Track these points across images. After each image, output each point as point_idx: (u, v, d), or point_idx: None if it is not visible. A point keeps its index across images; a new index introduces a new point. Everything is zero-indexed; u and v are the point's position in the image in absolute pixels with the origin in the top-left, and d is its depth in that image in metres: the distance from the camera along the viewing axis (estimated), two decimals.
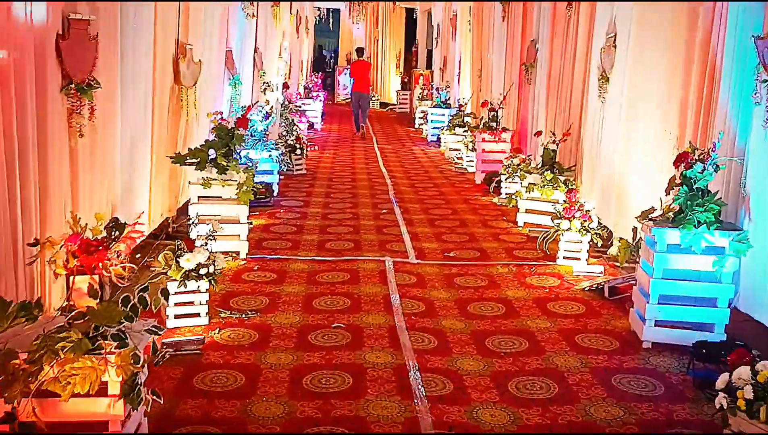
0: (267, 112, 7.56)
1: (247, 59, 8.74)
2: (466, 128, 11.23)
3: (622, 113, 5.62)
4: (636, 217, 4.11)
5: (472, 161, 10.03)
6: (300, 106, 13.79)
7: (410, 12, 22.27)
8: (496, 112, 8.94)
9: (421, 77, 17.92)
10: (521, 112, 9.00)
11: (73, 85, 3.42)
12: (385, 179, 9.25)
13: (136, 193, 4.67)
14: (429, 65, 20.89)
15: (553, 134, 6.71)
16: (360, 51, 15.15)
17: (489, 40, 10.77)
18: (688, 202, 3.68)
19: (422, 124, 15.37)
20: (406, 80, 21.13)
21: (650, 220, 3.91)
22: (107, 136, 3.99)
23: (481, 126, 9.16)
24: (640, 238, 4.49)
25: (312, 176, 9.17)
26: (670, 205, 3.88)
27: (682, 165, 3.74)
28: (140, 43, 4.53)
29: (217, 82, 6.78)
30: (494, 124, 8.92)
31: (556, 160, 6.60)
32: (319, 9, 23.79)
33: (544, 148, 6.63)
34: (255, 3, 8.15)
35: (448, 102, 13.98)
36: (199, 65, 5.61)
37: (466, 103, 11.50)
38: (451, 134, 11.33)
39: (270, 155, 7.52)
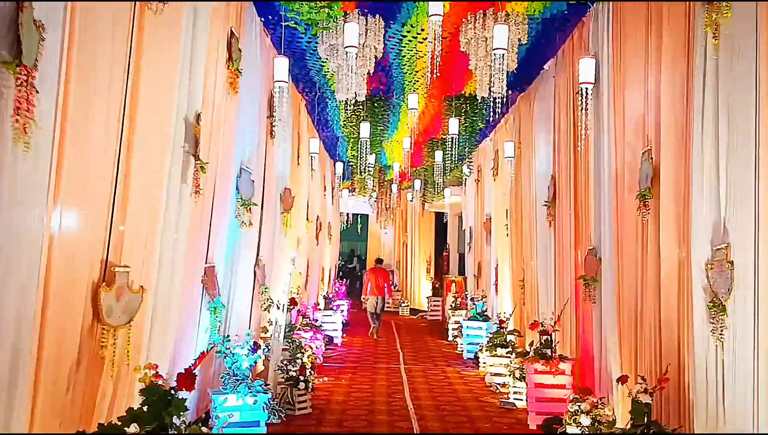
0: (254, 344, 5.82)
1: (244, 274, 7.25)
2: (510, 349, 9.32)
3: (756, 355, 3.77)
4: None
5: (521, 394, 8.00)
6: (316, 321, 12.16)
7: (440, 216, 21.47)
8: (550, 336, 7.10)
9: (454, 284, 16.37)
10: (582, 338, 7.13)
11: None
12: (411, 421, 7.20)
13: None
14: (462, 271, 19.50)
15: (643, 379, 4.77)
16: (379, 261, 16.05)
17: (532, 247, 9.24)
18: None
19: (456, 337, 13.52)
20: (437, 286, 19.63)
21: None
22: None
23: (531, 352, 7.26)
24: None
25: (318, 418, 7.19)
26: None
27: None
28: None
29: (184, 313, 5.15)
30: (548, 352, 7.04)
31: (653, 420, 4.60)
32: (346, 214, 23.30)
33: (633, 400, 4.66)
34: (250, 210, 6.82)
35: (486, 314, 12.23)
36: (140, 294, 4.02)
37: (507, 319, 9.70)
38: (492, 356, 9.40)
39: (255, 401, 5.66)
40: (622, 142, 6.00)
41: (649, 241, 5.30)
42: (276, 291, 8.82)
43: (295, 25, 7.21)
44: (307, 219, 11.11)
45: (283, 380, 7.37)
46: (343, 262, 29.31)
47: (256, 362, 5.84)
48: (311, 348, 9.94)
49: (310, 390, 7.43)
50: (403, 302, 20.96)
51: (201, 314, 5.79)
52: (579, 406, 5.85)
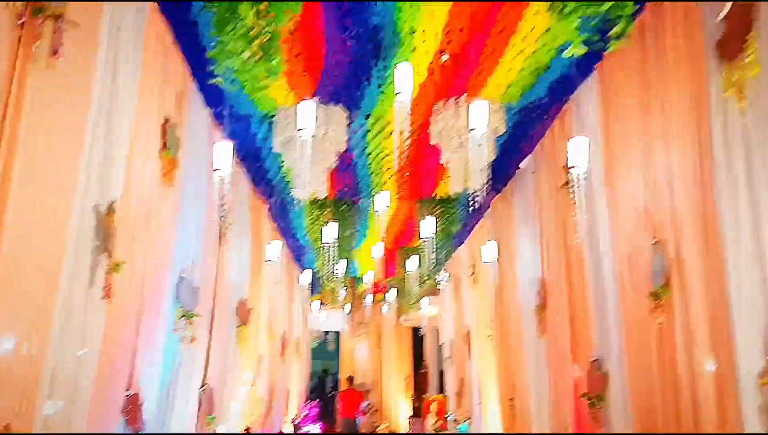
0: None
1: (184, 402, 6.07)
2: None
3: None
4: None
5: None
6: None
7: (416, 330, 20.30)
8: None
9: (434, 404, 15.00)
10: None
11: None
12: None
13: None
14: (442, 389, 18.10)
15: None
16: (350, 379, 15.78)
17: (521, 360, 8.21)
18: None
19: None
20: (417, 405, 18.15)
21: None
22: None
23: None
24: None
25: None
26: None
27: None
28: None
29: None
30: None
31: None
32: (318, 331, 22.01)
33: None
34: (192, 322, 5.78)
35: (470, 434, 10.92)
36: None
37: None
38: None
39: None
40: (623, 235, 5.21)
41: (669, 348, 4.37)
42: (229, 422, 7.56)
43: (248, 116, 6.53)
44: (269, 335, 9.97)
45: None
46: (315, 383, 27.55)
47: None
48: None
49: None
50: (381, 424, 19.29)
51: None
52: None
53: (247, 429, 7.19)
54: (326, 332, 23.89)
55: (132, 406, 4.66)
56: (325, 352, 28.54)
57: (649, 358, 4.68)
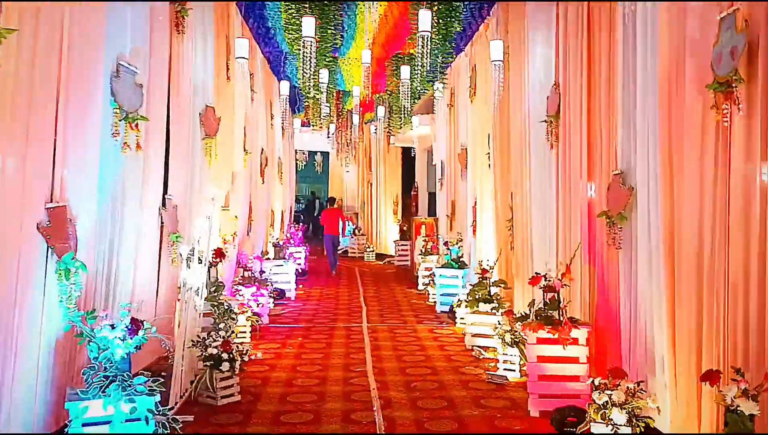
0: (132, 322, 3.84)
1: (139, 220, 5.23)
2: (496, 305, 7.56)
3: None
4: None
5: (513, 364, 6.29)
6: (262, 273, 10.24)
7: (407, 151, 19.48)
8: (557, 293, 5.29)
9: (423, 226, 14.57)
10: (602, 297, 5.34)
11: None
12: (373, 410, 5.39)
13: None
14: (432, 212, 17.69)
15: (740, 374, 2.96)
16: (332, 200, 16.63)
17: (523, 178, 7.37)
18: None
19: (428, 286, 11.80)
20: (405, 229, 17.81)
21: None
22: None
23: (532, 316, 5.45)
24: None
25: (247, 410, 5.33)
26: None
27: None
28: None
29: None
30: (555, 314, 5.24)
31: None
32: (302, 152, 21.16)
33: (728, 408, 2.88)
34: (137, 126, 4.75)
35: (462, 260, 10.44)
36: None
37: (491, 268, 7.89)
38: (474, 312, 7.63)
39: (134, 408, 3.75)
40: (681, 7, 4.04)
41: (736, 152, 3.43)
42: (199, 241, 6.81)
43: None
44: (245, 150, 9.02)
45: (201, 360, 5.48)
46: (303, 206, 27.33)
47: (137, 348, 3.89)
48: (252, 308, 8.09)
49: (237, 371, 5.54)
50: (369, 247, 19.18)
51: (46, 281, 3.78)
52: (609, 395, 4.10)
53: (218, 251, 6.47)
54: (314, 153, 23.13)
55: (56, 221, 3.77)
56: (314, 175, 28.09)
57: (697, 168, 3.76)
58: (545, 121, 6.42)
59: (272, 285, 10.47)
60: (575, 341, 5.11)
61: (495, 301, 7.58)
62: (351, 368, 6.69)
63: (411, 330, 8.71)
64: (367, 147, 20.76)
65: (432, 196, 18.08)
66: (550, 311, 5.27)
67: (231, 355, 5.47)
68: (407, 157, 19.64)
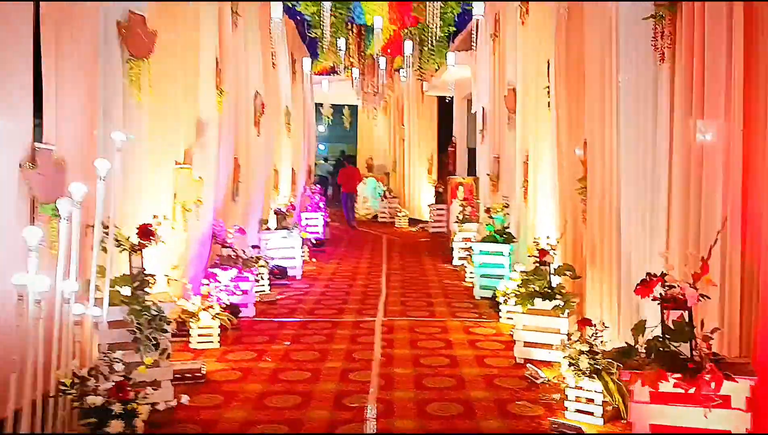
0: None
1: None
2: (560, 303, 5.22)
3: None
4: None
5: (593, 406, 4.02)
6: (256, 249, 8.08)
7: (443, 101, 16.93)
8: (688, 311, 2.93)
9: (461, 187, 12.17)
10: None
11: None
12: None
13: None
14: (472, 171, 15.25)
15: None
16: (348, 158, 17.78)
17: (605, 120, 4.92)
18: None
19: (464, 260, 9.52)
20: (440, 190, 15.45)
21: None
22: None
23: (641, 350, 3.10)
24: None
25: None
26: None
27: None
28: None
29: None
30: (685, 349, 2.89)
31: None
32: (329, 106, 18.89)
33: None
34: None
35: (508, 231, 8.09)
36: None
37: (552, 248, 5.50)
38: (528, 312, 5.32)
39: None
40: None
41: None
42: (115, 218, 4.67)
43: None
44: (219, 89, 6.75)
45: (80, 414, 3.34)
46: (332, 166, 25.06)
47: None
48: (222, 301, 5.97)
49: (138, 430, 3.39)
50: (401, 211, 16.89)
51: None
52: None
53: (142, 229, 4.27)
54: (341, 107, 20.75)
55: None
56: (344, 132, 25.74)
57: None
58: (651, 16, 3.93)
59: (268, 263, 8.34)
60: (725, 401, 2.77)
61: (559, 297, 5.25)
62: (345, 398, 4.51)
63: (440, 329, 6.47)
64: (399, 99, 18.29)
65: (472, 153, 15.60)
66: (676, 343, 2.93)
67: (129, 407, 3.31)
68: (444, 107, 17.11)
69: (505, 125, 9.04)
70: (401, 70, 14.42)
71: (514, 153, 8.41)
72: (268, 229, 9.36)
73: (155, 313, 4.21)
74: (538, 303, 5.28)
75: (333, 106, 19.60)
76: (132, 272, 4.34)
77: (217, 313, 5.78)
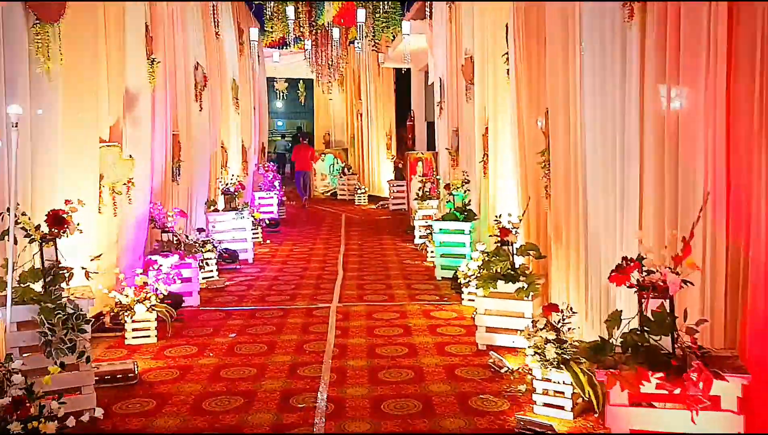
0: None
1: None
2: (524, 285, 4.86)
3: None
4: None
5: (562, 399, 3.70)
6: (202, 232, 7.54)
7: (401, 75, 16.43)
8: (669, 300, 2.58)
9: (420, 163, 11.78)
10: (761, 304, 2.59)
11: None
12: None
13: None
14: (431, 145, 14.86)
15: None
16: (305, 135, 17.50)
17: (569, 83, 4.54)
18: None
19: (425, 239, 9.14)
20: (400, 166, 15.03)
21: None
22: None
23: (615, 346, 2.74)
24: None
25: None
26: None
27: None
28: None
29: None
30: (666, 343, 2.55)
31: None
32: (283, 81, 18.25)
33: None
34: None
35: (469, 208, 7.73)
36: None
37: (515, 226, 5.13)
38: (490, 295, 4.96)
39: None
40: None
41: None
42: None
43: None
44: (151, 59, 6.14)
45: None
46: (289, 143, 24.34)
47: None
48: (159, 291, 5.47)
49: None
50: (360, 188, 16.43)
51: None
52: None
53: (51, 216, 3.73)
54: (296, 81, 20.02)
55: None
56: (300, 108, 25.01)
57: None
58: None
59: (216, 247, 7.81)
60: (714, 402, 2.43)
61: (523, 279, 4.90)
62: (293, 397, 4.09)
63: (399, 314, 6.09)
64: (355, 71, 17.72)
65: (431, 127, 15.22)
66: (656, 336, 2.57)
67: (30, 426, 2.83)
68: (401, 81, 16.62)
69: (463, 96, 8.63)
70: (356, 42, 13.86)
71: (472, 124, 8.02)
72: (216, 210, 8.81)
73: (71, 311, 3.70)
74: (501, 286, 4.93)
75: (287, 80, 18.91)
76: (43, 265, 3.81)
77: (154, 305, 5.28)
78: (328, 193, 17.78)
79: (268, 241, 10.41)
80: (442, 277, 7.53)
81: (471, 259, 6.35)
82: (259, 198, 12.08)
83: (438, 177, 9.71)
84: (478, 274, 5.16)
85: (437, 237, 7.66)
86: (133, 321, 5.21)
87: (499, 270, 4.93)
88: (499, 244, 5.09)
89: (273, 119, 25.52)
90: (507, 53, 6.11)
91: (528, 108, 5.42)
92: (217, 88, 9.27)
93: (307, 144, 16.90)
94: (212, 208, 8.76)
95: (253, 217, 10.17)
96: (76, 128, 4.85)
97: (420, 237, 9.86)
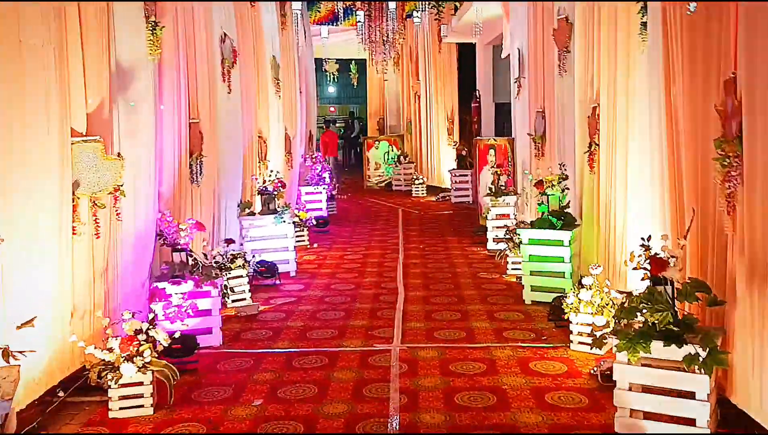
0: None
1: None
2: (697, 352, 3.12)
3: None
4: None
5: None
6: (230, 244, 6.02)
7: (465, 49, 14.58)
8: None
9: (492, 151, 10.00)
10: None
11: None
12: None
13: None
14: (499, 130, 13.03)
15: None
16: (333, 122, 18.07)
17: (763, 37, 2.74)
18: None
19: (503, 244, 7.34)
20: (464, 153, 13.29)
21: None
22: None
23: None
24: None
25: None
26: None
27: None
28: None
29: None
30: None
31: None
32: (334, 61, 16.73)
33: None
34: None
35: (567, 212, 5.97)
36: None
37: (672, 256, 3.37)
38: (642, 362, 3.24)
39: None
40: None
41: None
42: None
43: None
44: (152, 24, 4.61)
45: None
46: (342, 130, 22.82)
47: None
48: (156, 340, 3.97)
49: None
50: (417, 178, 14.75)
51: None
52: None
53: None
54: (348, 62, 18.43)
55: None
56: (350, 91, 23.42)
57: None
58: None
59: (248, 262, 6.31)
60: None
61: (693, 338, 3.16)
62: None
63: (484, 364, 4.45)
64: (413, 49, 15.97)
65: (499, 109, 13.40)
66: None
67: None
68: (464, 58, 14.77)
69: (554, 69, 6.84)
70: (413, 14, 12.13)
71: (571, 106, 6.23)
72: (252, 213, 7.31)
73: None
74: (657, 348, 3.20)
75: (338, 61, 17.35)
76: None
77: (148, 363, 3.77)
78: (383, 184, 16.17)
79: (315, 245, 8.92)
80: (532, 301, 5.84)
81: (581, 286, 4.62)
82: (306, 194, 10.57)
83: (526, 172, 7.92)
84: (617, 326, 3.44)
85: (526, 249, 5.95)
86: (120, 386, 3.73)
87: (657, 324, 3.20)
88: (652, 280, 3.35)
89: (325, 105, 24.03)
90: None
91: (691, 77, 3.61)
92: (252, 66, 7.74)
93: (332, 130, 17.63)
94: (246, 210, 7.26)
95: (298, 217, 8.68)
96: (36, 115, 3.38)
97: (494, 240, 8.15)
